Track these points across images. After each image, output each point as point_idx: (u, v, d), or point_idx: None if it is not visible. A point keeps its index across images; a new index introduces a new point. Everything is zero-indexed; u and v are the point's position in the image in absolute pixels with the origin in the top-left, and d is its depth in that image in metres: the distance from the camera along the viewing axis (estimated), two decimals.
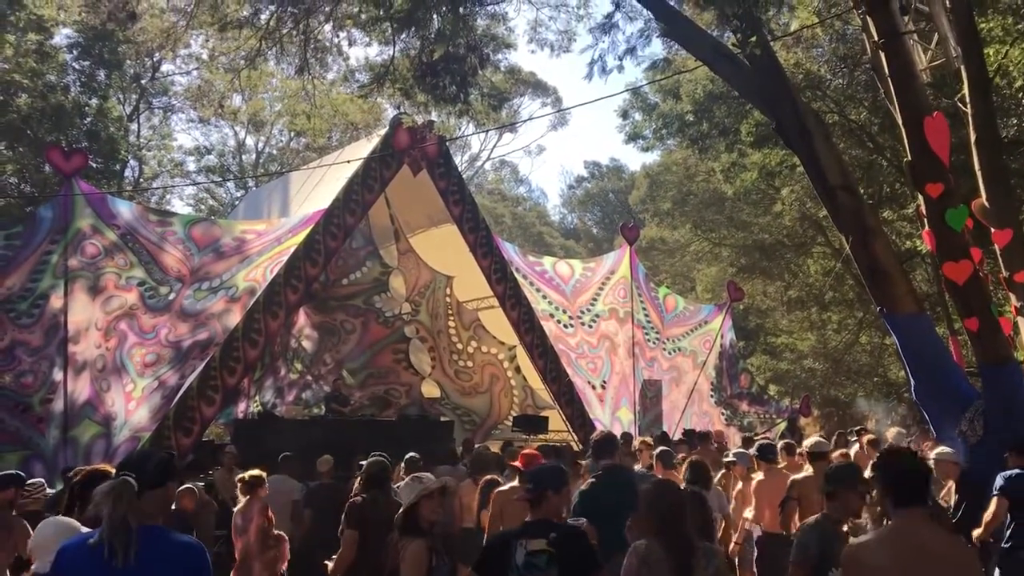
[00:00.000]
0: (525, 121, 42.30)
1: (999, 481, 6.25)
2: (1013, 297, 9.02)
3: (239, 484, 7.59)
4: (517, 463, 7.02)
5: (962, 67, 8.51)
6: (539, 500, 4.26)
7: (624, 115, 24.06)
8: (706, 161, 23.02)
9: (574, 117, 77.43)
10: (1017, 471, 6.24)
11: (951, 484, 7.08)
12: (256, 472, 7.58)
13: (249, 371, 13.40)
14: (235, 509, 7.59)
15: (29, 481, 6.71)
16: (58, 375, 11.05)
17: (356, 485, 6.37)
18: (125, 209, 12.81)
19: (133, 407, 11.29)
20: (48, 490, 6.91)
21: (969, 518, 6.29)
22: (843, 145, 17.18)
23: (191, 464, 11.49)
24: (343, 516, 5.90)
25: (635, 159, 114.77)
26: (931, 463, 7.15)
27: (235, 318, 11.89)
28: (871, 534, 3.47)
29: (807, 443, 8.40)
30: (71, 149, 15.80)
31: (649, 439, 10.97)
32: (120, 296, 11.88)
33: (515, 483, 6.89)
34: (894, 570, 3.23)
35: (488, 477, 7.54)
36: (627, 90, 24.75)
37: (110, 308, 11.77)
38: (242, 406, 16.94)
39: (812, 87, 16.84)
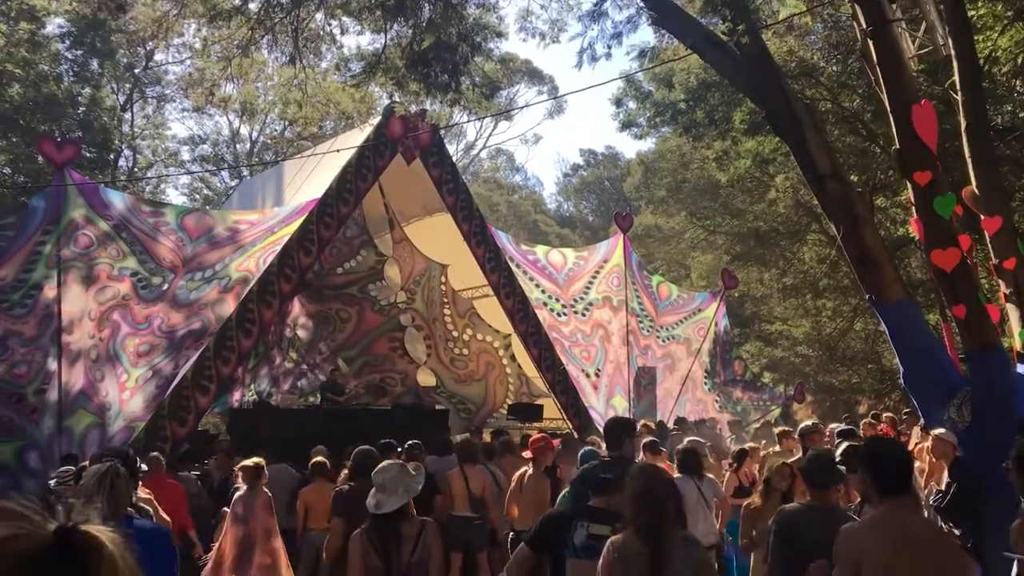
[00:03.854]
0: (519, 109, 42.25)
1: None
2: (1002, 284, 9.07)
3: (240, 472, 7.52)
4: (528, 453, 7.18)
5: (952, 54, 8.53)
6: (610, 490, 4.28)
7: (618, 103, 24.08)
8: (700, 149, 23.02)
9: (570, 105, 77.38)
10: None
11: (943, 466, 7.10)
12: (258, 460, 7.50)
13: (243, 360, 13.44)
14: (235, 496, 7.50)
15: (60, 469, 7.12)
16: (52, 365, 11.05)
17: (343, 474, 6.40)
18: (117, 199, 12.80)
19: (127, 397, 11.31)
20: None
21: (958, 504, 6.33)
22: (836, 133, 17.20)
23: (186, 453, 11.61)
24: (331, 505, 5.94)
25: (630, 147, 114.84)
26: (931, 441, 7.20)
27: (229, 308, 11.91)
28: (861, 521, 3.53)
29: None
30: (63, 139, 15.81)
31: (650, 423, 11.17)
32: (113, 286, 11.88)
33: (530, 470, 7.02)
34: (882, 555, 3.32)
35: None
36: (620, 77, 24.75)
37: (103, 298, 11.77)
38: (237, 395, 16.99)
39: (805, 75, 16.84)
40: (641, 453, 8.30)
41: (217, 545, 7.39)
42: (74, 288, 11.53)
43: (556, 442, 8.37)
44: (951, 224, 7.32)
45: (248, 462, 7.47)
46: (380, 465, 4.54)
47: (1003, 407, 6.83)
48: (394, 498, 4.27)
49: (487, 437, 12.72)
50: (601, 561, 3.74)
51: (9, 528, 0.91)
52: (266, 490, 7.44)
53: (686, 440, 7.59)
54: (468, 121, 32.76)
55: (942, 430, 7.06)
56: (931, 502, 6.90)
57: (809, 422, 8.76)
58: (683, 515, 3.96)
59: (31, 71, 24.44)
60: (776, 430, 10.78)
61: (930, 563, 3.30)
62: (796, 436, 8.80)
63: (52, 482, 6.86)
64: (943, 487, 6.81)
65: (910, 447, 9.21)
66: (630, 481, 3.88)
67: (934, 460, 7.41)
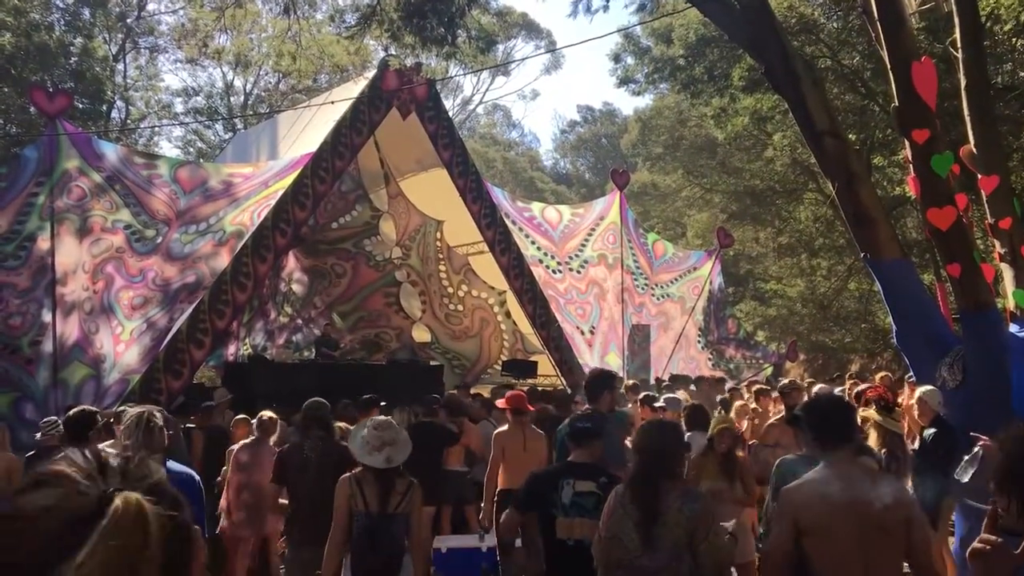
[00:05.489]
0: (516, 62, 41.84)
1: None
2: (997, 244, 9.07)
3: (259, 422, 7.26)
4: (503, 403, 7.19)
5: (953, 11, 8.44)
6: (590, 440, 4.36)
7: (616, 59, 23.88)
8: (698, 106, 22.85)
9: (568, 61, 76.63)
10: None
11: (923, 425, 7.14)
12: (271, 414, 7.36)
13: (238, 314, 13.45)
14: (240, 444, 7.33)
15: (44, 419, 7.29)
16: (47, 317, 11.05)
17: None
18: (110, 151, 12.70)
19: (122, 349, 11.34)
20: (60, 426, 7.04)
21: (939, 461, 6.37)
22: (836, 90, 17.07)
23: (181, 406, 11.64)
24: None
25: (628, 103, 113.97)
26: (913, 402, 7.25)
27: (223, 261, 11.89)
28: (802, 478, 3.53)
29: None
30: (55, 90, 15.60)
31: (632, 380, 11.29)
32: (107, 239, 11.84)
33: (510, 425, 7.02)
34: (815, 514, 3.33)
35: None
36: (618, 31, 24.51)
37: (97, 250, 11.73)
38: (232, 349, 17.02)
39: (805, 31, 16.67)
40: (639, 407, 8.38)
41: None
42: (68, 240, 11.49)
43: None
44: (948, 183, 7.29)
45: (265, 414, 7.32)
46: (391, 421, 4.79)
47: (995, 367, 6.86)
48: (402, 453, 4.58)
49: (486, 393, 12.79)
50: (606, 505, 3.83)
51: (57, 496, 0.95)
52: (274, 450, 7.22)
53: (669, 395, 7.64)
54: (463, 74, 32.52)
55: (928, 388, 7.10)
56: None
57: (787, 380, 8.85)
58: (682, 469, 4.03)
59: (22, 20, 24.09)
60: (754, 388, 10.83)
61: (868, 520, 3.26)
62: (775, 395, 8.91)
63: (38, 435, 6.94)
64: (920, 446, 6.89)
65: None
66: (636, 435, 4.01)
67: (918, 419, 7.47)
